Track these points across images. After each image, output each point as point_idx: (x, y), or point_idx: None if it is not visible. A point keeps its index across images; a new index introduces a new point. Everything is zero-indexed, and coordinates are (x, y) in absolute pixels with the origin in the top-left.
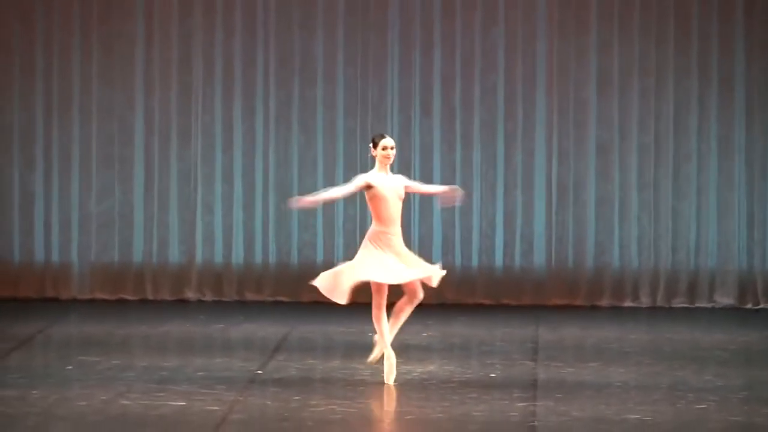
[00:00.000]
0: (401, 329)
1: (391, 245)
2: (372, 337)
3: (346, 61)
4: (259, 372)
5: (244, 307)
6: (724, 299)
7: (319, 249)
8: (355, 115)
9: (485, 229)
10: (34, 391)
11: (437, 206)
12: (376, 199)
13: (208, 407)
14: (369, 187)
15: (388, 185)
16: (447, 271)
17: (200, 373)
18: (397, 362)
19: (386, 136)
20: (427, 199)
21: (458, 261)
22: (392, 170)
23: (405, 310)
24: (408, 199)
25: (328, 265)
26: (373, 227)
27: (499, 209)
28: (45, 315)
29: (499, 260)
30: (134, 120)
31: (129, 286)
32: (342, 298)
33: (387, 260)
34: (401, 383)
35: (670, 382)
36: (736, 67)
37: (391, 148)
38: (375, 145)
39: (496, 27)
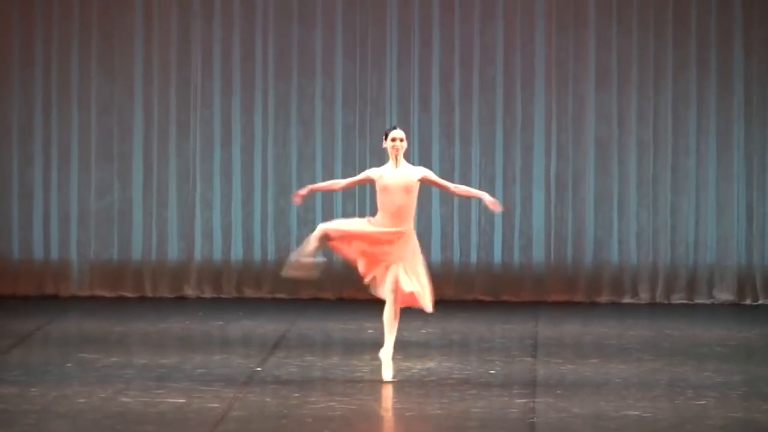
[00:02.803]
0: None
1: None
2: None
3: (345, 55)
4: (259, 369)
5: (243, 304)
6: (724, 295)
7: None
8: (354, 110)
9: (484, 225)
10: (33, 389)
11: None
12: (378, 190)
13: (207, 404)
14: (371, 179)
15: (393, 176)
16: (446, 268)
17: (199, 370)
18: (397, 359)
19: (397, 128)
20: (425, 193)
21: (457, 257)
22: (412, 163)
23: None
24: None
25: (327, 261)
26: (376, 217)
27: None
28: (44, 312)
29: (497, 256)
30: (133, 115)
31: (128, 283)
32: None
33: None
34: (401, 380)
35: (669, 379)
36: (734, 60)
37: (400, 140)
38: (386, 137)
39: (494, 21)
